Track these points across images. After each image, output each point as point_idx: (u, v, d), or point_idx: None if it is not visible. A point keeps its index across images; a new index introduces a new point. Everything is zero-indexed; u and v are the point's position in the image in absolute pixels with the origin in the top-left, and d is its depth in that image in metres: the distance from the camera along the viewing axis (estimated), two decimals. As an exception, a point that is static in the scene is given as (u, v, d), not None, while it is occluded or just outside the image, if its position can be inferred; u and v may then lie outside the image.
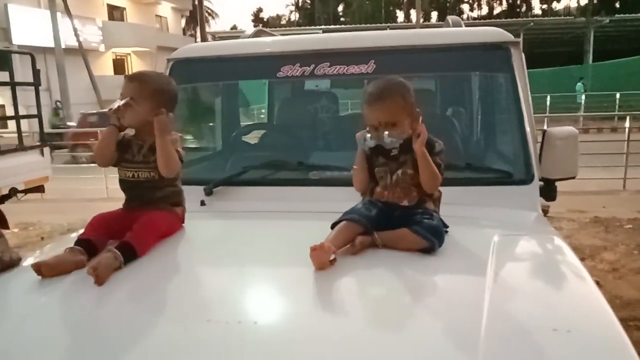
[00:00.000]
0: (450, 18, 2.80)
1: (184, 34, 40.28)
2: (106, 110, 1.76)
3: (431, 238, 1.47)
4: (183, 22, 42.65)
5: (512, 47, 2.17)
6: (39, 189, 5.53)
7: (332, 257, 1.40)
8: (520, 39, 2.20)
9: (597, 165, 7.59)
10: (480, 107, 2.58)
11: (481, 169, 2.10)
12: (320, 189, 2.05)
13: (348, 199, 1.87)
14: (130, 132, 1.79)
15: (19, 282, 1.50)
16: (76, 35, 21.53)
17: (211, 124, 2.99)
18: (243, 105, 3.91)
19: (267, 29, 3.29)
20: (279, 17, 62.16)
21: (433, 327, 1.14)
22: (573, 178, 2.19)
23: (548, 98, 18.88)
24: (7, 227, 5.02)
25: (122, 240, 1.55)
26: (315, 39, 2.51)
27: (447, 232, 1.59)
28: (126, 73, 23.38)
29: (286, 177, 2.13)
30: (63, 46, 21.84)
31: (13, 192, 5.02)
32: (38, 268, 1.46)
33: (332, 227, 1.53)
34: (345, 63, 2.24)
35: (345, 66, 2.25)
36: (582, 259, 5.14)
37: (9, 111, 5.90)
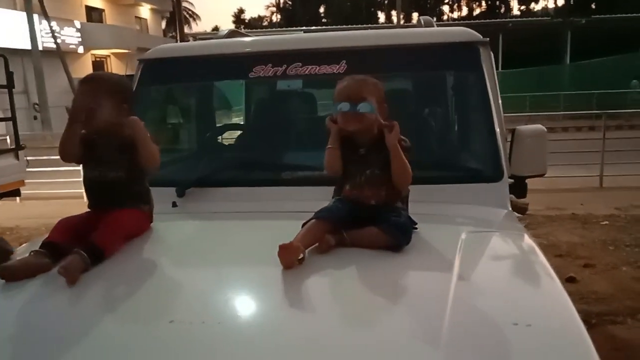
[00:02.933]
0: (422, 18, 2.83)
1: (165, 35, 39.94)
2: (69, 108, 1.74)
3: (398, 236, 1.48)
4: (164, 23, 42.31)
5: (481, 46, 2.20)
6: (15, 193, 5.44)
7: (301, 255, 1.41)
8: (488, 40, 2.22)
9: (575, 163, 7.72)
10: (450, 106, 2.60)
11: (451, 166, 2.12)
12: (293, 188, 2.05)
13: (321, 198, 1.87)
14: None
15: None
16: (54, 37, 21.22)
17: (184, 125, 2.97)
18: (225, 107, 3.90)
19: (242, 30, 3.28)
20: (260, 19, 62.01)
21: (397, 323, 1.15)
22: (542, 175, 2.22)
23: (528, 98, 19.15)
24: (-19, 232, 4.94)
25: (88, 241, 1.53)
26: (287, 39, 2.52)
27: (415, 229, 1.60)
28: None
29: (259, 177, 2.13)
30: (40, 48, 21.55)
31: (-13, 198, 4.93)
32: (2, 272, 1.44)
33: (303, 225, 1.53)
34: (317, 63, 2.25)
35: (317, 66, 2.25)
36: (559, 255, 5.21)
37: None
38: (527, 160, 2.11)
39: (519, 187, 2.17)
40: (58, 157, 1.75)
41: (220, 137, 2.89)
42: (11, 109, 5.14)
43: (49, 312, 1.29)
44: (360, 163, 1.61)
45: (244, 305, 1.29)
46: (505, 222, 1.85)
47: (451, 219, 1.79)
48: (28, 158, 5.75)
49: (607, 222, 6.16)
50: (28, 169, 5.76)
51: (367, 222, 1.53)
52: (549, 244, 5.39)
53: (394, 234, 1.48)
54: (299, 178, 2.09)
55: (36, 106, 20.78)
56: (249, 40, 2.61)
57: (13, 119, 5.19)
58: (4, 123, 5.40)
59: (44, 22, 21.23)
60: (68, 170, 6.70)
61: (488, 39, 2.21)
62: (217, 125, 3.12)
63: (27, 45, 21.35)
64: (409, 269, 1.43)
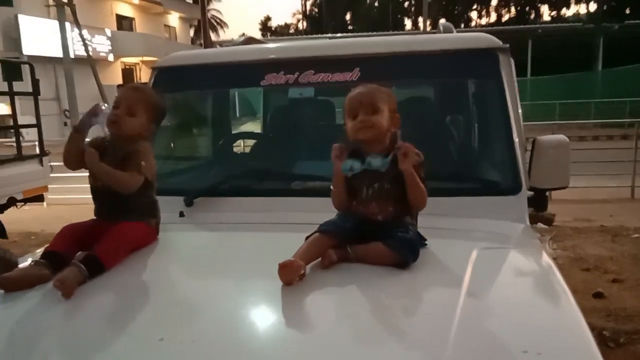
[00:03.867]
0: (441, 24, 2.75)
1: (193, 43, 40.55)
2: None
3: (404, 253, 1.41)
4: (192, 31, 42.99)
5: (501, 52, 2.11)
6: (39, 198, 5.52)
7: (302, 271, 1.35)
8: (508, 46, 2.14)
9: (606, 173, 7.46)
10: (467, 114, 2.52)
11: (467, 178, 2.04)
12: (303, 199, 1.99)
13: (331, 209, 1.83)
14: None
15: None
16: (85, 45, 21.72)
17: (195, 133, 2.95)
18: (249, 113, 3.88)
19: (259, 37, 3.26)
20: (287, 26, 62.43)
21: (397, 346, 1.08)
22: (564, 188, 2.12)
23: (557, 105, 18.71)
24: (5, 237, 5.02)
25: (88, 253, 1.50)
26: (300, 46, 2.47)
27: (425, 245, 1.53)
28: (136, 82, 23.56)
29: (268, 187, 2.08)
30: (72, 56, 22.05)
31: (11, 201, 5.01)
32: (1, 282, 1.42)
33: (307, 239, 1.47)
34: (330, 71, 2.20)
35: (329, 74, 2.20)
36: (586, 269, 5.02)
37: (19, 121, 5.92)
38: (547, 172, 2.01)
39: (539, 200, 2.06)
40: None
41: (233, 145, 2.86)
42: (36, 115, 5.22)
43: (41, 325, 1.26)
44: (369, 176, 1.55)
45: (239, 324, 1.23)
46: (522, 238, 1.75)
47: (464, 234, 1.71)
48: (54, 164, 5.84)
49: (637, 235, 5.93)
50: (55, 174, 5.85)
51: (373, 237, 1.46)
52: (576, 257, 5.20)
53: (400, 250, 1.41)
54: (309, 189, 2.03)
55: (67, 112, 21.26)
56: (261, 47, 2.58)
57: (38, 125, 5.27)
58: (33, 129, 5.48)
59: (76, 30, 21.77)
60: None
61: (508, 45, 2.12)
62: (234, 132, 3.09)
63: (59, 53, 21.89)
64: (414, 287, 1.35)
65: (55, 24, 22.32)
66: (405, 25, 53.30)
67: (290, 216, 1.89)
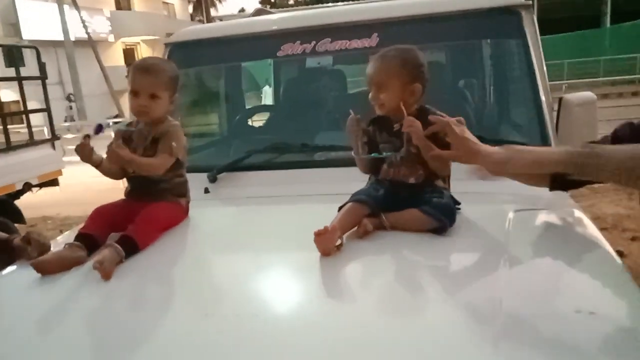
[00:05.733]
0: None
1: (192, 19, 40.06)
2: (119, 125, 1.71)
3: (441, 217, 1.39)
4: (190, 8, 42.40)
5: (524, 10, 2.05)
6: (53, 182, 5.54)
7: (338, 241, 1.34)
8: (531, 3, 2.07)
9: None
10: (492, 76, 2.46)
11: (494, 141, 1.99)
12: (327, 170, 1.98)
13: (355, 179, 1.81)
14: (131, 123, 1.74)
15: (17, 281, 1.46)
16: (84, 27, 21.54)
17: (213, 109, 2.92)
18: (253, 88, 3.83)
19: (268, 9, 3.19)
20: (258, 11, 61.12)
21: (447, 311, 1.07)
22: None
23: (565, 64, 18.40)
24: (23, 222, 5.07)
25: (123, 233, 1.50)
26: (315, 14, 2.41)
27: (459, 209, 1.51)
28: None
29: (291, 159, 2.06)
30: (73, 38, 21.89)
31: (27, 187, 5.03)
32: (38, 265, 1.43)
33: (340, 209, 1.46)
34: (348, 38, 2.15)
35: (347, 41, 2.15)
36: (604, 229, 4.99)
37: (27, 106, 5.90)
38: (575, 131, 1.97)
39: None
40: (96, 145, 1.72)
41: (250, 119, 2.83)
42: (45, 99, 5.20)
43: (83, 307, 1.27)
44: (395, 140, 1.52)
45: (281, 296, 1.23)
46: (555, 199, 1.72)
47: (496, 197, 1.69)
48: (70, 147, 5.84)
49: (654, 192, 5.86)
50: (66, 158, 5.86)
51: (407, 203, 1.45)
52: (594, 217, 5.16)
53: (437, 215, 1.39)
54: (332, 159, 2.01)
55: (71, 96, 21.21)
56: (275, 17, 2.52)
57: (48, 109, 5.25)
58: (41, 114, 5.45)
59: (75, 12, 21.54)
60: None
61: (531, 1, 2.06)
62: (247, 107, 3.06)
63: (60, 37, 21.71)
64: (456, 253, 1.34)
65: (53, 6, 22.11)
66: (406, -10, 52.06)
67: (316, 187, 1.87)
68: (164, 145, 1.65)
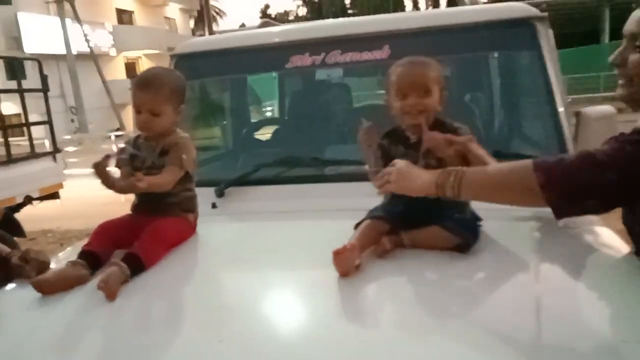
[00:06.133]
0: (466, -4, 2.63)
1: (193, 34, 40.29)
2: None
3: (464, 234, 1.33)
4: (191, 22, 42.69)
5: (539, 22, 2.00)
6: (54, 195, 5.48)
7: (357, 261, 1.27)
8: (546, 15, 2.02)
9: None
10: (507, 89, 2.40)
11: (512, 155, 1.93)
12: (338, 185, 1.91)
13: (368, 194, 1.74)
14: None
15: (15, 301, 1.39)
16: (87, 40, 21.64)
17: (219, 122, 2.87)
18: (254, 102, 3.78)
19: (274, 21, 3.15)
20: (286, 13, 61.85)
21: (476, 339, 0.99)
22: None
23: (566, 80, 18.37)
24: (23, 236, 4.99)
25: (128, 251, 1.43)
26: (325, 25, 2.37)
27: (479, 226, 1.45)
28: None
29: (301, 174, 1.99)
30: (75, 52, 22.00)
31: (28, 200, 4.97)
32: (38, 285, 1.36)
33: (356, 227, 1.39)
34: (358, 49, 2.10)
35: (358, 53, 2.10)
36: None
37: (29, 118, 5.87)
38: (594, 145, 1.90)
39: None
40: (95, 157, 1.65)
41: (256, 132, 2.77)
42: (47, 112, 5.17)
43: (87, 329, 1.20)
44: (413, 153, 1.46)
45: (299, 319, 1.16)
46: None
47: (516, 213, 1.62)
48: (70, 160, 5.79)
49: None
50: (67, 171, 5.80)
51: (427, 220, 1.38)
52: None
53: (459, 232, 1.32)
54: (343, 174, 1.94)
55: (72, 109, 21.23)
56: (283, 28, 2.48)
57: (49, 122, 5.21)
58: (42, 127, 5.42)
59: (77, 26, 21.65)
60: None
61: (547, 13, 2.01)
62: (252, 121, 3.00)
63: (62, 50, 21.80)
64: (481, 272, 1.27)
65: (55, 20, 22.24)
66: (405, 6, 52.63)
67: (327, 202, 1.81)
68: (174, 158, 1.59)
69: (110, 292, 1.27)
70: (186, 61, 2.32)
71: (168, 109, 1.59)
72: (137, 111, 1.59)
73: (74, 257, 1.46)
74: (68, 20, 21.45)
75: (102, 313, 1.24)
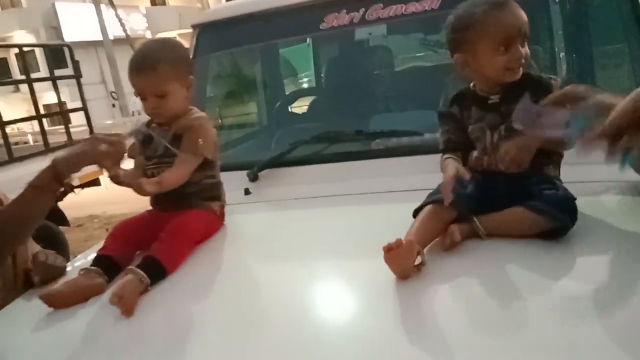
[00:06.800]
0: None
1: (227, 10, 40.07)
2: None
3: (559, 215, 1.03)
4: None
5: None
6: (95, 182, 5.43)
7: (419, 259, 1.01)
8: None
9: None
10: (582, 38, 2.02)
11: None
12: (387, 160, 1.64)
13: (424, 170, 1.46)
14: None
15: (23, 317, 1.22)
16: (121, 24, 21.75)
17: (250, 97, 2.61)
18: (288, 75, 3.53)
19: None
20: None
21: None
22: None
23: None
24: (67, 224, 4.97)
25: (146, 254, 1.22)
26: None
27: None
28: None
29: (344, 150, 1.73)
30: (111, 37, 22.17)
31: (69, 187, 4.91)
32: (48, 298, 1.17)
33: (415, 214, 1.13)
34: (403, 1, 1.80)
35: (402, 5, 1.80)
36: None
37: (71, 106, 5.84)
38: None
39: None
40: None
41: (291, 106, 2.52)
42: (81, 98, 5.07)
43: (103, 352, 1.00)
44: (491, 117, 1.17)
45: (353, 336, 0.90)
46: None
47: (611, 187, 1.31)
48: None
49: None
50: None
51: (508, 200, 1.09)
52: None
53: (553, 212, 1.03)
54: (394, 147, 1.67)
55: (113, 94, 21.51)
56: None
57: (84, 108, 5.12)
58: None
59: (112, 11, 21.77)
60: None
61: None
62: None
63: (99, 37, 22.00)
64: (590, 266, 0.98)
65: (90, 7, 22.42)
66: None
67: (377, 183, 1.54)
68: (188, 143, 1.36)
69: (126, 308, 1.07)
70: (210, 31, 2.07)
71: (174, 86, 1.36)
72: (142, 98, 1.37)
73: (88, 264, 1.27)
74: (103, 7, 21.56)
75: (120, 331, 1.04)
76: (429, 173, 1.31)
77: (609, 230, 1.11)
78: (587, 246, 1.04)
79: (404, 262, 0.99)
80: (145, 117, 1.51)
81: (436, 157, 1.41)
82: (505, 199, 1.10)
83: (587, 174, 1.23)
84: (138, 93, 1.38)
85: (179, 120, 1.40)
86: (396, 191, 1.48)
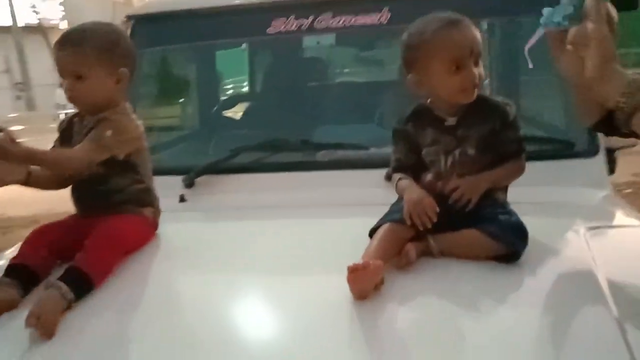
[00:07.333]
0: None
1: (150, 8, 38.75)
2: None
3: (514, 241, 1.05)
4: (148, -5, 41.05)
5: None
6: None
7: (379, 279, 0.97)
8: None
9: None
10: (523, 60, 2.12)
11: (535, 139, 1.67)
12: (332, 173, 1.61)
13: (369, 184, 1.48)
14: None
15: None
16: (35, 12, 20.38)
17: (185, 97, 2.48)
18: (223, 77, 3.42)
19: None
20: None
21: None
22: (634, 145, 1.79)
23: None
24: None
25: (70, 265, 1.09)
26: None
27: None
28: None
29: (287, 159, 1.67)
30: (21, 24, 20.70)
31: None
32: (-53, 314, 1.00)
33: (371, 233, 1.10)
34: (353, 13, 1.78)
35: (352, 17, 1.78)
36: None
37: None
38: None
39: (608, 161, 1.73)
40: (44, 139, 1.30)
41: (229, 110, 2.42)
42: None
43: None
44: (446, 140, 1.16)
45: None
46: (624, 212, 1.42)
47: (556, 209, 1.36)
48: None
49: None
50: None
51: (461, 222, 1.09)
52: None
53: (507, 238, 1.04)
54: (340, 160, 1.63)
55: (19, 85, 20.02)
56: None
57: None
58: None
59: (23, -4, 20.34)
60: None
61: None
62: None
63: (7, 22, 20.46)
64: (540, 289, 0.99)
65: (-1, -11, 20.78)
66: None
67: (321, 195, 1.50)
68: (93, 134, 1.21)
69: (46, 330, 0.93)
70: (146, 25, 1.94)
71: (96, 72, 1.22)
72: (61, 77, 1.24)
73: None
74: (14, -10, 20.08)
75: (37, 356, 0.91)
76: (368, 187, 1.29)
77: (552, 252, 1.13)
78: (537, 269, 1.06)
79: (366, 283, 0.95)
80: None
81: (375, 173, 1.46)
82: (457, 220, 1.10)
83: (522, 196, 1.25)
84: (59, 70, 1.23)
85: (99, 113, 1.25)
86: (338, 204, 1.45)
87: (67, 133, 1.32)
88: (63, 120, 1.37)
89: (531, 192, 1.32)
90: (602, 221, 1.31)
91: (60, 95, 18.46)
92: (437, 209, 1.07)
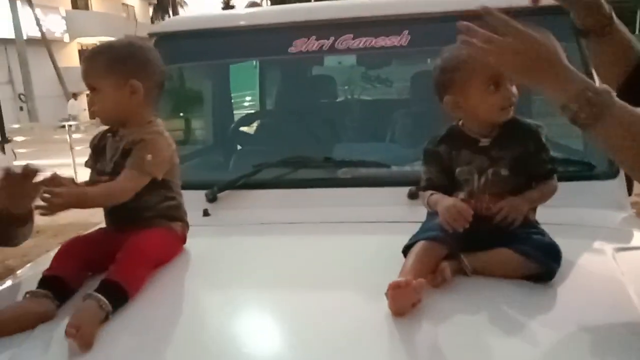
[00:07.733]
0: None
1: (152, 23, 39.01)
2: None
3: (547, 260, 1.06)
4: (150, 10, 41.32)
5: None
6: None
7: (418, 298, 0.98)
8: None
9: None
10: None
11: (556, 161, 1.69)
12: (354, 190, 1.62)
13: (392, 202, 1.51)
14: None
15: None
16: (38, 25, 20.51)
17: (208, 113, 2.51)
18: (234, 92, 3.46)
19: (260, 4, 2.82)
20: (251, 4, 60.71)
21: None
22: None
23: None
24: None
25: (105, 278, 1.09)
26: (335, 5, 2.07)
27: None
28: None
29: (310, 176, 1.69)
30: (25, 37, 20.83)
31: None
32: (-14, 325, 1.01)
33: (405, 250, 1.11)
34: (373, 34, 1.82)
35: (372, 38, 1.82)
36: None
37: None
38: None
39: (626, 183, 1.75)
40: (46, 149, 1.31)
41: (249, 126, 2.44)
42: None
43: None
44: (480, 160, 1.18)
45: None
46: None
47: (582, 230, 1.37)
48: (19, 150, 5.27)
49: None
50: (17, 162, 5.28)
51: (493, 242, 1.11)
52: None
53: (542, 258, 1.06)
54: (362, 177, 1.65)
55: (22, 96, 20.06)
56: (288, 7, 2.15)
57: (-4, 110, 4.70)
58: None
59: (28, 9, 20.49)
60: (59, 164, 6.22)
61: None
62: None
63: (11, 34, 20.57)
64: (578, 309, 1.00)
65: (4, 2, 20.95)
66: None
67: (343, 212, 1.52)
68: (134, 159, 1.22)
69: (85, 341, 0.93)
70: (169, 42, 1.96)
71: (105, 84, 1.24)
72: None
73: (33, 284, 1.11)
74: (18, 3, 20.22)
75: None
76: (391, 205, 1.30)
77: (584, 272, 1.15)
78: (570, 288, 1.06)
79: (406, 301, 0.96)
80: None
81: (398, 191, 1.48)
82: (489, 239, 1.11)
83: (549, 217, 1.26)
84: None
85: (131, 132, 1.27)
86: (361, 222, 1.47)
87: (100, 149, 1.33)
88: (95, 136, 1.38)
89: (553, 213, 1.33)
90: (627, 242, 1.33)
91: (72, 106, 18.48)
92: (472, 212, 1.08)
